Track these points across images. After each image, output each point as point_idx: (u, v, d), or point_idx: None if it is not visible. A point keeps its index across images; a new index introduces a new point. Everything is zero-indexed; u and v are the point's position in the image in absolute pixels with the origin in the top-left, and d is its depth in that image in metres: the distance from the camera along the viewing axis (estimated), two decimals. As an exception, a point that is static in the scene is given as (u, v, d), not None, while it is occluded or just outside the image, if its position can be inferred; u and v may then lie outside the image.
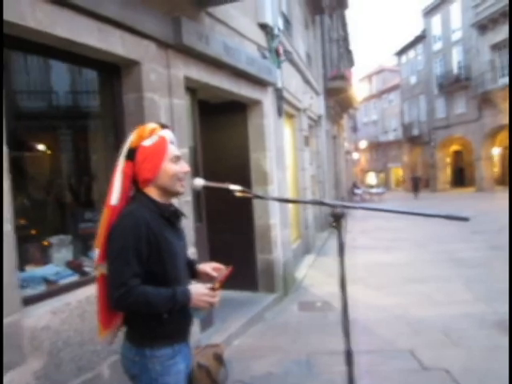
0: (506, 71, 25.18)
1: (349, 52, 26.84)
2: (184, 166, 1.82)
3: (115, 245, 1.65)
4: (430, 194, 30.88)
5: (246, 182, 5.76)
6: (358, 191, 27.86)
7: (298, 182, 8.84)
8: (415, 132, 36.96)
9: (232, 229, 5.76)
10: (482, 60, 27.22)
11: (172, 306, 1.66)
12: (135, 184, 1.78)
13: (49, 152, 3.86)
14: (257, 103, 5.71)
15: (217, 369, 3.91)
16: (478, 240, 9.94)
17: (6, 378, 2.30)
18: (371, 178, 47.25)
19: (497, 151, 29.63)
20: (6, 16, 2.39)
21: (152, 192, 1.77)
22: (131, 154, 1.74)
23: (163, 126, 1.82)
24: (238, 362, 4.12)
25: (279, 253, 6.10)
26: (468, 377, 3.51)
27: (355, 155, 40.42)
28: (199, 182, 1.91)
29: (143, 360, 1.72)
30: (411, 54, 38.54)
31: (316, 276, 7.18)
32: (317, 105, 11.44)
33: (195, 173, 4.51)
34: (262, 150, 5.78)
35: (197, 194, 4.41)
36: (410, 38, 37.59)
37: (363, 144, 44.38)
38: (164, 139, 1.76)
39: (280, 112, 6.33)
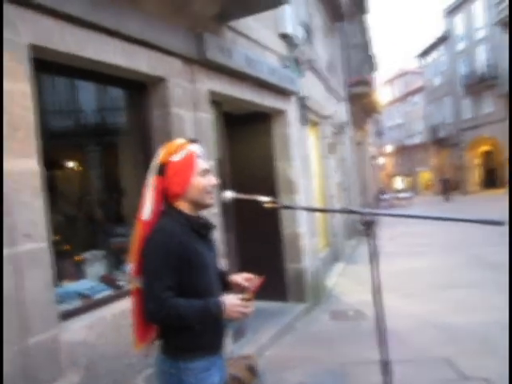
0: (535, 68, 24.50)
1: (370, 57, 26.65)
2: (212, 179, 1.86)
3: (148, 259, 1.70)
4: (460, 196, 30.14)
5: (272, 191, 5.76)
6: (385, 197, 27.46)
7: (324, 190, 8.78)
8: (442, 134, 36.27)
9: (260, 239, 5.76)
10: (507, 57, 26.56)
11: (205, 318, 1.69)
12: (166, 198, 1.82)
13: (79, 169, 3.97)
14: (280, 113, 5.73)
15: (250, 380, 3.92)
16: (508, 243, 9.61)
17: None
18: (398, 183, 46.49)
19: (528, 150, 28.69)
20: (37, 41, 2.49)
21: (182, 206, 1.81)
22: (161, 170, 1.78)
23: (191, 141, 1.87)
24: (270, 372, 4.09)
25: (308, 262, 6.06)
26: (510, 386, 3.38)
27: (381, 160, 39.93)
28: (229, 194, 1.94)
29: (178, 372, 1.73)
30: (434, 55, 37.99)
31: (346, 284, 7.09)
32: (340, 111, 11.39)
33: (223, 184, 4.55)
34: (287, 159, 5.78)
35: (225, 206, 4.45)
36: (431, 40, 37.17)
37: (388, 148, 43.81)
38: (192, 154, 1.81)
39: (304, 120, 6.34)
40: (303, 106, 6.23)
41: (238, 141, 5.70)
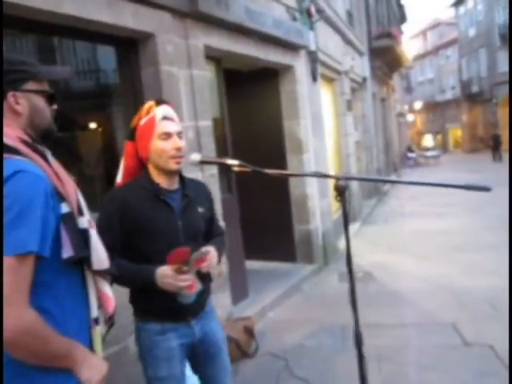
0: None
1: (400, 7, 25.25)
2: (176, 143, 1.77)
3: (97, 220, 1.72)
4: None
5: (279, 151, 5.62)
6: (411, 155, 26.70)
7: (340, 149, 8.54)
8: (475, 89, 34.56)
9: (268, 200, 5.66)
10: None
11: (136, 282, 1.73)
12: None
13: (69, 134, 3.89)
14: (288, 69, 5.47)
15: (247, 341, 3.95)
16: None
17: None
18: (428, 141, 45.07)
19: None
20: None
21: (151, 170, 1.81)
22: (131, 134, 1.81)
23: (159, 102, 1.82)
24: (271, 334, 4.11)
25: (318, 223, 5.96)
26: (513, 353, 3.27)
27: (410, 117, 38.62)
28: (196, 157, 1.82)
29: (137, 332, 1.85)
30: (470, 3, 35.62)
31: (359, 245, 6.97)
32: (360, 66, 10.89)
33: (223, 145, 4.43)
34: (296, 117, 5.57)
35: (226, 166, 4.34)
36: (469, -13, 34.73)
37: (418, 105, 42.22)
38: (153, 117, 1.76)
39: (314, 76, 6.04)
40: (314, 60, 5.93)
41: (242, 99, 5.50)
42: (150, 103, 1.81)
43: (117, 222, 1.71)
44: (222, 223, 3.88)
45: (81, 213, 1.24)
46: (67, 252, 1.16)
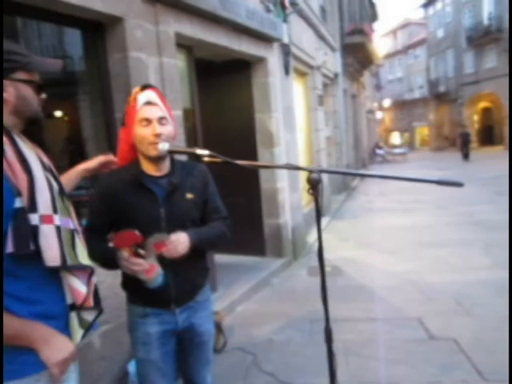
0: (542, 20, 23.58)
1: (372, 5, 25.51)
2: (155, 129, 1.72)
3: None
4: (457, 153, 29.82)
5: (250, 144, 5.55)
6: (379, 152, 27.17)
7: (311, 144, 8.55)
8: (442, 89, 35.48)
9: (238, 193, 5.59)
10: (515, 9, 25.48)
11: (112, 264, 1.74)
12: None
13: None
14: (261, 61, 5.39)
15: (215, 337, 3.87)
16: (504, 202, 9.47)
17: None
18: (396, 138, 45.98)
19: (529, 107, 28.15)
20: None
21: (140, 156, 1.81)
22: (123, 120, 1.82)
23: (143, 88, 1.79)
24: (239, 328, 4.07)
25: (288, 217, 5.94)
26: (477, 347, 3.34)
27: (379, 114, 39.26)
28: (164, 145, 1.75)
29: (127, 313, 1.92)
30: (439, 5, 36.43)
31: (329, 240, 7.00)
32: (333, 62, 10.92)
33: (193, 135, 4.33)
34: (268, 110, 5.51)
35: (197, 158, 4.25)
36: (438, -12, 35.47)
37: (387, 103, 42.98)
38: (135, 102, 1.75)
39: (287, 70, 6.00)
40: (287, 53, 5.88)
41: (213, 90, 5.40)
42: (136, 89, 1.79)
43: (103, 206, 1.79)
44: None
45: (33, 209, 1.24)
46: (9, 248, 1.20)
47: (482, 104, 33.33)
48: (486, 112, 33.86)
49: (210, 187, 1.94)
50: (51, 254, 1.27)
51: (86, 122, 3.63)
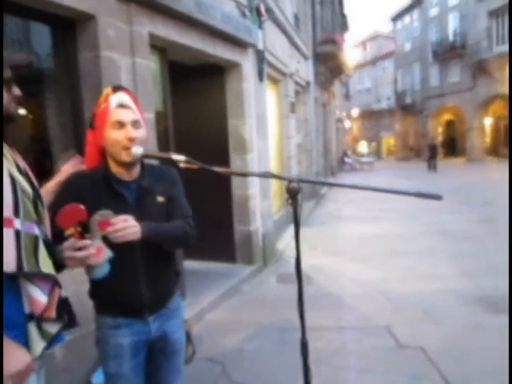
0: (503, 39, 24.65)
1: (343, 16, 26.01)
2: (129, 132, 1.64)
3: None
4: (421, 163, 30.64)
5: (223, 149, 5.50)
6: (347, 160, 27.62)
7: (282, 151, 8.57)
8: (408, 100, 36.49)
9: (209, 199, 5.51)
10: (478, 27, 26.55)
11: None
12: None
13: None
14: (235, 66, 5.36)
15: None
16: (468, 212, 9.77)
17: None
18: (363, 147, 46.93)
19: (489, 121, 29.35)
20: None
21: (109, 160, 1.73)
22: (91, 122, 1.74)
23: (115, 89, 1.73)
24: (208, 337, 3.98)
25: (258, 224, 5.91)
26: (444, 356, 3.38)
27: (347, 124, 39.97)
28: (138, 150, 1.67)
29: (95, 325, 1.80)
30: (407, 19, 37.55)
31: (298, 247, 7.00)
32: (305, 70, 11.02)
33: (165, 139, 4.24)
34: (241, 116, 5.47)
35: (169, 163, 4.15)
36: (407, 3, 36.51)
37: (355, 112, 43.83)
38: (107, 104, 1.68)
39: (261, 76, 5.99)
40: (261, 59, 5.87)
41: (187, 94, 5.32)
42: (107, 90, 1.72)
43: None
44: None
45: None
46: None
47: (446, 117, 34.50)
48: (450, 124, 35.08)
49: (177, 187, 1.88)
50: (6, 259, 1.20)
51: (52, 121, 3.48)
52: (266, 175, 1.60)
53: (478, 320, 4.02)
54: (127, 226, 1.52)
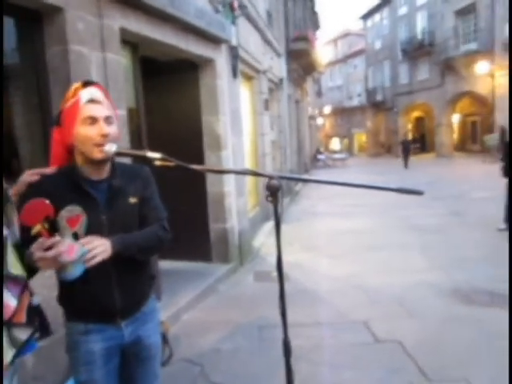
0: (469, 38, 25.36)
1: (314, 13, 26.17)
2: (102, 129, 1.57)
3: None
4: (393, 159, 31.23)
5: (197, 146, 5.42)
6: (321, 157, 27.87)
7: (256, 148, 8.54)
8: (379, 97, 37.09)
9: (183, 198, 5.42)
10: (445, 26, 27.18)
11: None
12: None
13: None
14: (209, 62, 5.29)
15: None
16: (438, 206, 9.99)
17: None
18: (335, 144, 47.45)
19: (457, 118, 30.15)
20: None
21: (78, 158, 1.64)
22: (58, 119, 1.65)
23: (85, 84, 1.64)
24: (186, 338, 3.92)
25: (234, 221, 5.86)
26: (421, 349, 3.42)
27: (320, 120, 40.31)
28: (111, 147, 1.60)
29: (65, 331, 1.73)
30: (377, 17, 38.11)
31: (274, 244, 6.95)
32: (278, 67, 11.02)
33: (137, 136, 4.14)
34: (215, 112, 5.40)
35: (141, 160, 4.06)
36: (377, 1, 37.06)
37: (327, 109, 44.25)
38: (77, 100, 1.59)
39: (235, 72, 5.93)
40: (235, 56, 5.81)
41: (159, 91, 5.22)
42: (76, 85, 1.63)
43: None
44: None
45: None
46: None
47: (416, 113, 35.24)
48: (419, 121, 35.85)
49: (150, 187, 1.80)
50: None
51: (19, 118, 3.34)
52: (246, 172, 1.58)
53: (453, 312, 4.09)
54: (95, 246, 1.45)
